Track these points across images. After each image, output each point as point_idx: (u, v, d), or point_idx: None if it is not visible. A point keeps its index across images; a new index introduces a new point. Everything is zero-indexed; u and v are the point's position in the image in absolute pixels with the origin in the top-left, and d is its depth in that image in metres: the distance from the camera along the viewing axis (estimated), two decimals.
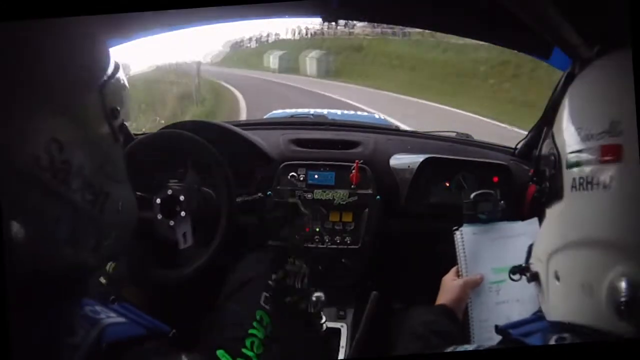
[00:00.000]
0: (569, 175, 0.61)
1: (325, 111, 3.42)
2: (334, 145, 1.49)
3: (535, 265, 0.68)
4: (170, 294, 1.19)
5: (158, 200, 1.13)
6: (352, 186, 1.39)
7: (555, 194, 0.63)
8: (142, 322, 0.63)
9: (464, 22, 1.24)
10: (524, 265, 0.75)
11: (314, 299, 1.14)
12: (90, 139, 0.60)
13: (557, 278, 0.62)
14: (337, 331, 1.32)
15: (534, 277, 0.69)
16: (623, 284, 0.53)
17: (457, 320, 0.99)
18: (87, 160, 0.58)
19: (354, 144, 1.49)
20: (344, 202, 1.38)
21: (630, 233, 0.54)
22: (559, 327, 0.62)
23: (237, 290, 0.98)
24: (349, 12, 1.35)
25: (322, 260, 1.40)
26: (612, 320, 0.54)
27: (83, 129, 0.59)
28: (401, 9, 1.25)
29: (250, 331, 0.90)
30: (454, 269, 1.07)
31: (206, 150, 1.16)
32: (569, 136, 0.62)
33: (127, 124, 0.69)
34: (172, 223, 1.13)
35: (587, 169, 0.58)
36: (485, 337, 0.99)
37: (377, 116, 3.92)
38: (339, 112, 3.78)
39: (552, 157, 0.64)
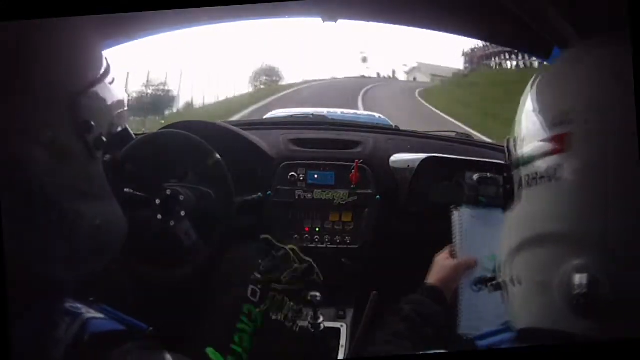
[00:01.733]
0: (520, 174, 0.60)
1: (325, 111, 3.41)
2: (334, 145, 1.49)
3: (500, 275, 0.66)
4: (157, 292, 1.18)
5: (158, 201, 1.13)
6: (352, 186, 1.39)
7: (510, 196, 0.62)
8: (119, 319, 0.63)
9: (465, 22, 1.24)
10: (488, 276, 0.74)
11: (309, 298, 1.14)
12: (56, 157, 0.57)
13: (517, 282, 0.60)
14: (337, 331, 1.32)
15: (497, 287, 0.67)
16: (576, 278, 0.51)
17: (445, 302, 0.95)
18: (50, 180, 0.55)
19: (353, 144, 1.49)
20: (344, 202, 1.38)
21: (580, 224, 0.52)
22: (525, 335, 0.59)
23: (222, 286, 0.99)
24: (349, 12, 1.35)
25: (322, 260, 1.40)
26: (570, 319, 0.52)
27: (46, 147, 0.56)
28: (401, 8, 1.25)
29: (239, 326, 0.90)
30: (447, 248, 1.03)
31: (205, 150, 1.16)
32: (521, 134, 0.61)
33: (109, 135, 0.64)
34: (172, 223, 1.13)
35: (535, 164, 0.57)
36: (473, 324, 0.96)
37: (377, 116, 3.90)
38: (338, 111, 3.77)
39: (509, 159, 0.63)
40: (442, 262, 1.01)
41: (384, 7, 1.27)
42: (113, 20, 1.01)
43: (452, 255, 1.02)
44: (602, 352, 0.55)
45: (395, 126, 2.07)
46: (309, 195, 1.39)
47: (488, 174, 1.09)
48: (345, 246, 1.38)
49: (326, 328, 1.26)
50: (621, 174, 0.50)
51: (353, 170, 1.38)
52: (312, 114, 2.87)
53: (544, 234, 0.55)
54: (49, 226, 0.56)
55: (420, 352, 0.67)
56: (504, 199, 0.65)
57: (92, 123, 0.60)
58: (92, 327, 0.59)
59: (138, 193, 1.14)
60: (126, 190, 1.11)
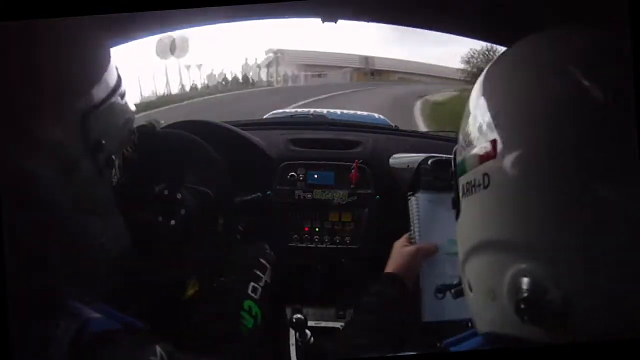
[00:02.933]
0: (460, 183, 0.59)
1: (324, 111, 3.42)
2: (334, 145, 1.49)
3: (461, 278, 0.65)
4: (155, 290, 1.19)
5: (157, 201, 1.13)
6: (352, 186, 1.39)
7: (457, 205, 0.61)
8: (117, 318, 0.63)
9: (465, 21, 1.24)
10: (453, 283, 0.73)
11: (294, 320, 1.14)
12: (65, 175, 0.55)
13: (470, 289, 0.60)
14: (337, 330, 1.32)
15: (459, 294, 0.67)
16: (520, 283, 0.51)
17: (406, 290, 0.91)
18: (57, 197, 0.54)
19: (353, 144, 1.49)
20: (344, 202, 1.38)
21: (515, 229, 0.51)
22: (489, 339, 0.58)
23: (222, 284, 0.99)
24: (349, 12, 1.35)
25: (322, 260, 1.40)
26: (518, 324, 0.51)
27: (56, 164, 0.54)
28: (402, 8, 1.25)
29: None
30: (405, 236, 1.00)
31: (205, 150, 1.16)
32: (459, 143, 0.60)
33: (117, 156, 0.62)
34: (171, 223, 1.13)
35: (471, 172, 0.56)
36: (437, 312, 0.93)
37: (376, 116, 3.91)
38: (338, 111, 3.78)
39: (451, 173, 0.62)
40: (399, 249, 0.97)
41: (385, 7, 1.27)
42: (113, 20, 1.01)
43: (410, 241, 0.99)
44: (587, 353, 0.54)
45: (395, 126, 2.08)
46: (309, 195, 1.39)
47: (444, 157, 1.07)
48: (345, 246, 1.38)
49: (326, 328, 1.26)
50: (544, 178, 0.50)
51: (353, 170, 1.38)
52: (312, 114, 2.88)
53: (484, 242, 0.55)
54: (53, 242, 0.56)
55: (417, 353, 0.66)
56: (453, 208, 0.63)
57: (103, 142, 0.58)
58: (92, 326, 0.59)
59: (136, 193, 1.14)
60: (124, 190, 1.12)
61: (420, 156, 1.41)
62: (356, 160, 1.38)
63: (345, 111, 3.86)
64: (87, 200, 0.59)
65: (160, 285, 1.15)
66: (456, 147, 0.62)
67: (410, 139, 1.62)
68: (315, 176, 1.40)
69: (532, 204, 0.50)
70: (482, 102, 0.57)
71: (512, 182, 0.51)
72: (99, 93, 0.59)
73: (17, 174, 0.53)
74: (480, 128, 0.55)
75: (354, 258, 1.39)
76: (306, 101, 9.02)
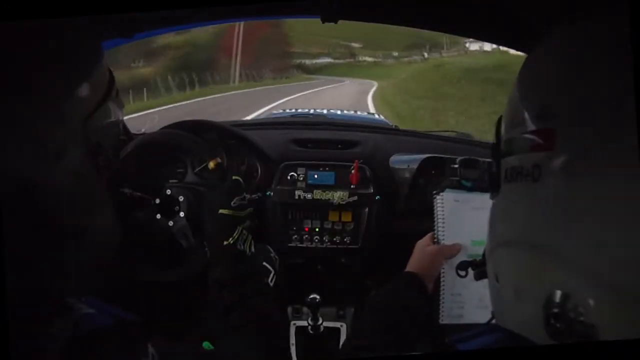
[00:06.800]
0: (504, 165, 0.54)
1: (325, 111, 3.43)
2: (334, 145, 1.49)
3: (487, 262, 0.60)
4: (154, 290, 1.18)
5: (157, 200, 1.13)
6: (352, 186, 1.39)
7: (494, 185, 0.56)
8: (109, 313, 0.63)
9: (466, 22, 1.24)
10: (476, 260, 0.69)
11: (309, 300, 1.14)
12: (65, 178, 0.55)
13: (496, 279, 0.55)
14: (337, 330, 1.32)
15: (481, 275, 0.62)
16: (554, 297, 0.45)
17: (425, 291, 0.89)
18: (56, 199, 0.54)
19: (353, 144, 1.49)
20: (344, 202, 1.38)
21: (560, 236, 0.45)
22: (506, 337, 0.54)
23: (227, 282, 0.99)
24: (349, 12, 1.35)
25: (322, 260, 1.40)
26: (542, 334, 0.47)
27: (55, 167, 0.54)
28: (401, 8, 1.25)
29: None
30: (429, 235, 0.98)
31: (205, 150, 1.16)
32: (507, 119, 0.55)
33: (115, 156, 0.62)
34: (171, 223, 1.13)
35: (518, 157, 0.50)
36: (456, 313, 0.92)
37: (376, 116, 3.92)
38: (338, 111, 3.79)
39: (496, 140, 0.57)
40: (422, 249, 0.95)
41: (384, 7, 1.26)
42: (113, 20, 1.01)
43: (434, 241, 0.97)
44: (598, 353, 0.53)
45: (395, 126, 2.08)
46: (309, 195, 1.39)
47: (471, 157, 1.05)
48: (345, 246, 1.38)
49: (326, 328, 1.26)
50: (608, 184, 0.42)
51: (353, 170, 1.38)
52: (312, 114, 2.89)
53: (521, 238, 0.50)
54: (51, 243, 0.56)
55: (417, 353, 0.65)
56: (489, 183, 0.58)
57: (102, 144, 0.59)
58: (85, 324, 0.58)
59: (137, 193, 1.14)
60: (125, 190, 1.12)
61: (421, 156, 1.41)
62: (356, 160, 1.38)
63: (345, 111, 3.87)
64: (85, 200, 0.59)
65: (158, 282, 1.16)
66: (502, 117, 0.57)
67: (410, 139, 1.62)
68: (316, 176, 1.40)
69: (588, 213, 0.43)
70: (532, 85, 0.52)
71: (567, 182, 0.44)
72: (94, 98, 0.59)
73: (15, 174, 0.52)
74: (530, 113, 0.49)
75: (354, 258, 1.39)
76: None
